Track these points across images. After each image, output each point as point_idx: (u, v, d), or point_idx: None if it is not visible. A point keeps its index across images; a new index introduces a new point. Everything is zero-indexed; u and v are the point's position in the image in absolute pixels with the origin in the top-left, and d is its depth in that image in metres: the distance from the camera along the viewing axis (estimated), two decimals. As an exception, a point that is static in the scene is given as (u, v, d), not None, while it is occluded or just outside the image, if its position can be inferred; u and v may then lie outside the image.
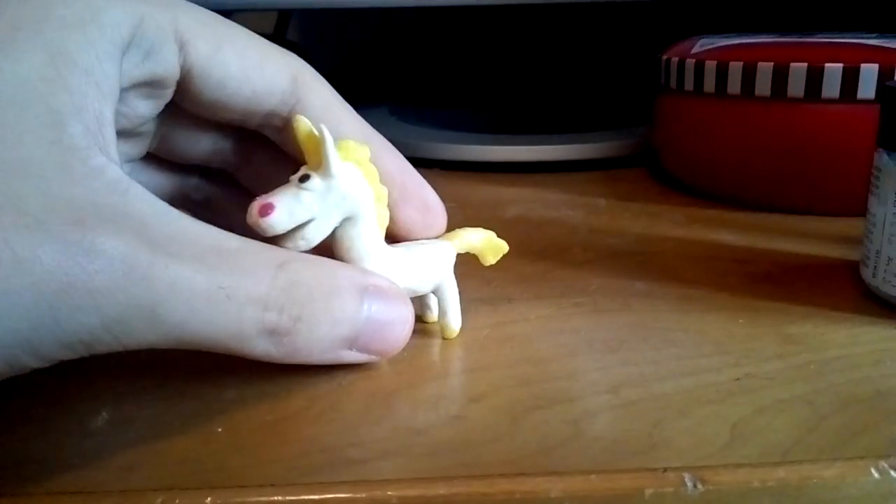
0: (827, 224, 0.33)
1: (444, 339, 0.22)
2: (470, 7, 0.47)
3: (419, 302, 0.23)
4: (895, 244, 0.23)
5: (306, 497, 0.15)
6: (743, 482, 0.16)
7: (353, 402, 0.19)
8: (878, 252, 0.23)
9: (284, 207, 0.18)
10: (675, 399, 0.19)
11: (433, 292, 0.22)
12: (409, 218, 0.22)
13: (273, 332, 0.17)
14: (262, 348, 0.17)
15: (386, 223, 0.21)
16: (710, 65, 0.35)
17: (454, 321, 0.22)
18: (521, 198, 0.39)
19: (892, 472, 0.16)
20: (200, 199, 0.24)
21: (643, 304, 0.25)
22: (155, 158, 0.23)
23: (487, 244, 0.24)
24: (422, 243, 0.22)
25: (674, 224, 0.34)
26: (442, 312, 0.22)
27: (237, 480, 0.16)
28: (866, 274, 0.24)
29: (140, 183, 0.17)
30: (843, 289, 0.25)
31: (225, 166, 0.23)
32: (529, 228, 0.33)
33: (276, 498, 0.15)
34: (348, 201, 0.19)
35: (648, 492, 0.15)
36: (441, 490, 0.16)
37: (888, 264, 0.23)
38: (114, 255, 0.15)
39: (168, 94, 0.20)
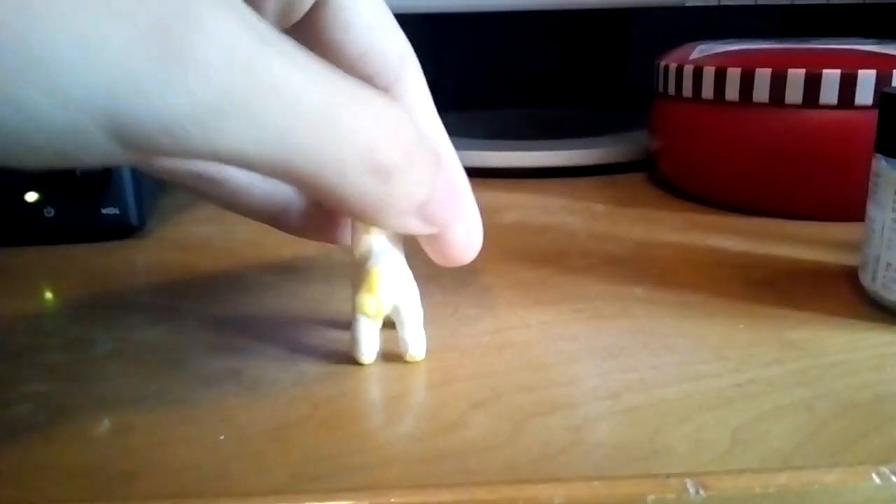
0: (826, 229, 0.33)
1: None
2: (468, 13, 0.47)
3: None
4: (894, 249, 0.23)
5: (309, 504, 0.15)
6: (745, 488, 0.16)
7: (354, 409, 0.19)
8: (877, 257, 0.23)
9: None
10: (675, 405, 0.19)
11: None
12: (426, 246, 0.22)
13: (377, 171, 0.16)
14: (363, 187, 0.16)
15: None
16: (709, 71, 0.35)
17: (354, 347, 0.21)
18: (520, 203, 0.39)
19: (893, 478, 0.16)
20: None
21: (643, 310, 0.25)
22: None
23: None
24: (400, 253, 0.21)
25: (672, 230, 0.34)
26: None
27: (240, 488, 0.16)
28: (865, 279, 0.24)
29: None
30: (843, 294, 0.25)
31: None
32: (528, 234, 0.34)
33: (278, 505, 0.15)
34: None
35: (651, 498, 0.16)
36: (443, 497, 0.16)
37: (887, 269, 0.23)
38: (221, 40, 0.13)
39: (288, 23, 0.19)
